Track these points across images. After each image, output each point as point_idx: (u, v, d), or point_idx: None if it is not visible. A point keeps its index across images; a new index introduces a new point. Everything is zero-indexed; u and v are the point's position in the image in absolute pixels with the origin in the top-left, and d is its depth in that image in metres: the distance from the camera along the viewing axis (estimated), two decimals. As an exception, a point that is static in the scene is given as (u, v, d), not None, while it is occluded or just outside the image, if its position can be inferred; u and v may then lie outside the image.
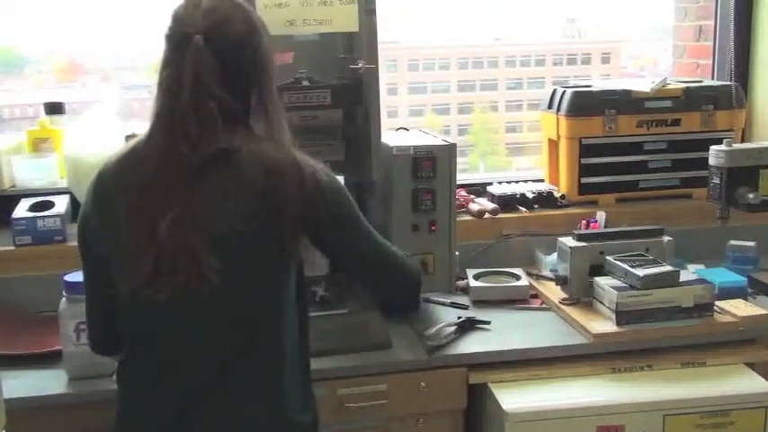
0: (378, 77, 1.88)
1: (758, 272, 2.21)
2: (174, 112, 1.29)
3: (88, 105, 2.38)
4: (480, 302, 2.09)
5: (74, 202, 2.18)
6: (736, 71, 2.59)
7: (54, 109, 2.42)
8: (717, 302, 1.94)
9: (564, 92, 2.46)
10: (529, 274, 2.22)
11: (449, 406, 1.83)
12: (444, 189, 1.97)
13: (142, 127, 1.39)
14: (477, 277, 2.16)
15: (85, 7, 2.77)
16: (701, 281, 1.93)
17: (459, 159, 1.98)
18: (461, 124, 6.57)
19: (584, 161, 2.44)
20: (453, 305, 2.07)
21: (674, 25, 2.98)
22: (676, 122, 2.46)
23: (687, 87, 2.48)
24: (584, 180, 2.45)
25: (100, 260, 1.37)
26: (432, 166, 1.95)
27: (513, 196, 2.43)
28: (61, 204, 2.17)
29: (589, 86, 2.52)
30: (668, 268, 1.91)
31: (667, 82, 2.52)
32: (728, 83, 2.54)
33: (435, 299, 2.09)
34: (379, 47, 1.88)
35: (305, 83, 1.85)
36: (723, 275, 2.09)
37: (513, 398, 1.75)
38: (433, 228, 1.98)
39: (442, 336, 1.86)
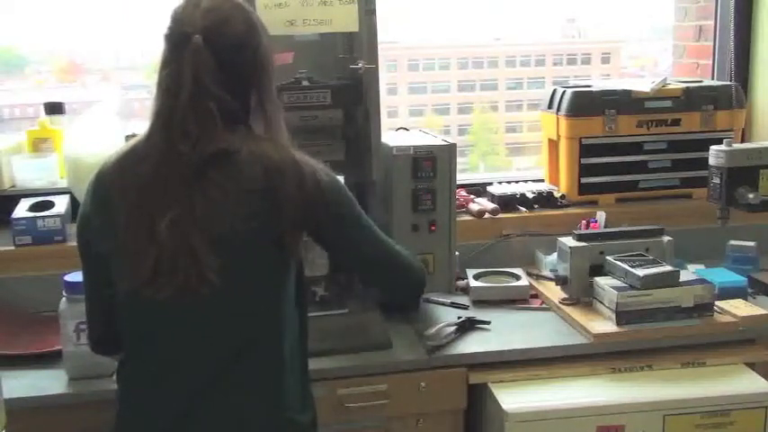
0: (378, 77, 1.88)
1: (758, 272, 2.20)
2: (174, 112, 1.29)
3: (88, 105, 2.38)
4: (480, 302, 2.09)
5: (74, 202, 2.18)
6: (736, 71, 2.59)
7: (54, 109, 2.42)
8: (717, 302, 1.94)
9: (564, 92, 2.46)
10: (529, 274, 2.22)
11: (449, 406, 1.83)
12: (444, 189, 1.97)
13: (142, 127, 1.39)
14: (477, 277, 2.16)
15: (85, 7, 2.77)
16: (701, 281, 1.93)
17: (459, 159, 1.98)
18: (461, 124, 6.58)
19: (584, 161, 2.44)
20: (453, 305, 2.07)
21: (674, 25, 2.98)
22: (676, 122, 2.46)
23: (687, 87, 2.48)
24: (584, 180, 2.45)
25: (99, 260, 1.37)
26: (432, 166, 1.95)
27: (513, 196, 2.43)
28: (61, 204, 2.17)
29: (589, 86, 2.51)
30: (668, 268, 1.91)
31: (667, 82, 2.52)
32: (728, 83, 2.54)
33: (435, 299, 2.09)
34: (379, 47, 1.88)
35: (305, 83, 1.85)
36: (723, 275, 2.09)
37: (513, 398, 1.75)
38: (433, 228, 1.98)
39: (441, 336, 1.86)
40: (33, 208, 2.14)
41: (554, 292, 2.07)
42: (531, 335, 1.91)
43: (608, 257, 1.97)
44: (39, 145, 2.36)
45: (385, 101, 2.10)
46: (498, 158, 5.40)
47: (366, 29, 1.84)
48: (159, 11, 1.43)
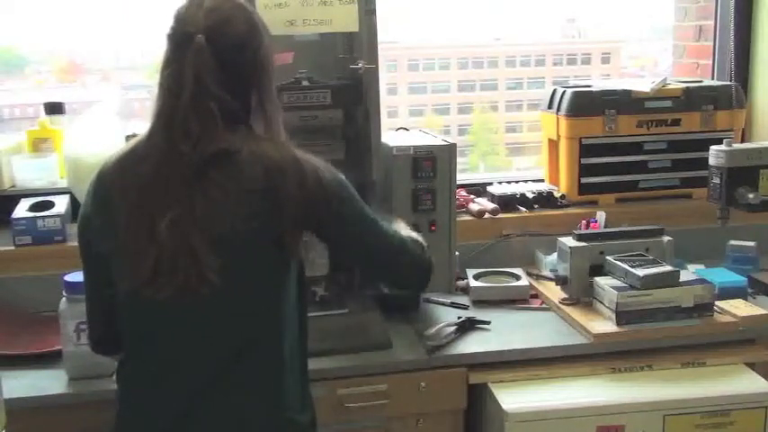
0: (378, 77, 1.88)
1: (758, 272, 2.20)
2: (175, 112, 1.29)
3: (88, 105, 2.38)
4: (480, 302, 2.09)
5: (74, 202, 2.18)
6: (736, 71, 2.59)
7: (54, 109, 2.42)
8: (717, 302, 1.94)
9: (564, 92, 2.46)
10: (529, 274, 2.22)
11: (449, 406, 1.83)
12: (444, 189, 1.97)
13: (142, 127, 1.39)
14: (477, 277, 2.16)
15: (85, 7, 2.77)
16: (701, 281, 1.93)
17: (459, 159, 1.98)
18: (461, 124, 6.58)
19: (584, 161, 2.44)
20: (453, 305, 2.07)
21: (674, 25, 2.98)
22: (676, 122, 2.46)
23: (687, 87, 2.48)
24: (584, 180, 2.45)
25: (100, 260, 1.37)
26: (432, 166, 1.95)
27: (513, 196, 2.43)
28: (61, 204, 2.17)
29: (589, 86, 2.51)
30: (668, 268, 1.91)
31: (667, 82, 2.52)
32: (728, 83, 2.54)
33: (435, 299, 2.09)
34: (379, 47, 1.87)
35: (305, 83, 1.85)
36: (723, 275, 2.09)
37: (513, 398, 1.75)
38: (433, 228, 1.98)
39: (442, 336, 1.86)
40: (33, 208, 2.14)
41: (554, 292, 2.07)
42: (531, 335, 1.91)
43: (608, 257, 1.97)
44: (39, 145, 2.36)
45: (385, 101, 2.10)
46: (498, 158, 5.40)
47: (366, 29, 1.84)
48: (160, 11, 1.44)
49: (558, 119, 2.47)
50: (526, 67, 6.50)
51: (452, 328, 1.90)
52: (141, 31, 2.81)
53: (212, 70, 1.29)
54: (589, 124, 2.42)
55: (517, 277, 2.17)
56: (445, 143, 1.99)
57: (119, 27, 2.92)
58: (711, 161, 2.13)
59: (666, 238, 2.03)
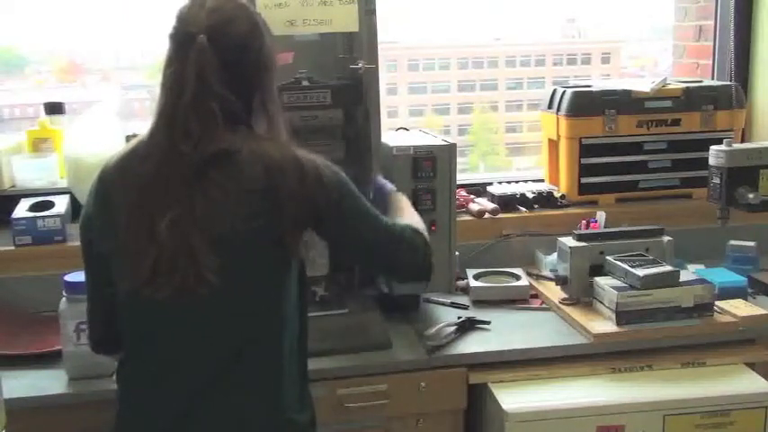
0: (378, 77, 1.88)
1: (758, 272, 2.20)
2: (176, 111, 1.29)
3: (88, 105, 2.38)
4: (480, 302, 2.09)
5: (74, 202, 2.18)
6: (736, 71, 2.59)
7: (54, 109, 2.42)
8: (717, 302, 1.94)
9: (564, 92, 2.46)
10: (529, 274, 2.22)
11: (449, 406, 1.83)
12: (444, 189, 1.97)
13: (142, 127, 1.39)
14: (477, 277, 2.16)
15: (85, 7, 2.77)
16: (701, 281, 1.93)
17: (459, 159, 1.98)
18: (461, 124, 6.57)
19: (584, 161, 2.44)
20: (453, 305, 2.07)
21: (674, 25, 2.98)
22: (676, 122, 2.46)
23: (687, 87, 2.48)
24: (584, 180, 2.45)
25: (101, 260, 1.37)
26: (432, 166, 1.95)
27: (513, 196, 2.43)
28: (61, 204, 2.17)
29: (589, 86, 2.51)
30: (668, 268, 1.91)
31: (667, 82, 2.52)
32: (728, 83, 2.54)
33: (435, 299, 2.09)
34: (379, 47, 1.88)
35: (305, 83, 1.85)
36: (723, 275, 2.09)
37: (513, 398, 1.75)
38: (433, 228, 1.97)
39: (442, 336, 1.86)
40: (33, 208, 2.14)
41: (554, 292, 2.07)
42: (531, 335, 1.91)
43: (608, 257, 1.97)
44: (39, 145, 2.36)
45: (385, 101, 2.10)
46: (498, 158, 5.40)
47: (366, 29, 1.84)
48: (160, 11, 1.44)
49: (558, 119, 2.47)
50: (526, 67, 6.50)
51: (452, 328, 1.90)
52: (141, 31, 2.81)
53: (214, 70, 1.29)
54: (589, 124, 2.42)
55: (517, 277, 2.17)
56: (445, 143, 1.99)
57: (119, 27, 2.92)
58: (711, 161, 2.13)
59: (666, 238, 2.03)
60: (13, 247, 2.11)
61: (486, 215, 2.35)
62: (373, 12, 1.85)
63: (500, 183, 2.53)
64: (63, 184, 2.27)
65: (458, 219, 2.09)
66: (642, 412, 1.76)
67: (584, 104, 2.42)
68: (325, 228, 1.42)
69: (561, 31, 6.25)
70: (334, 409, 1.73)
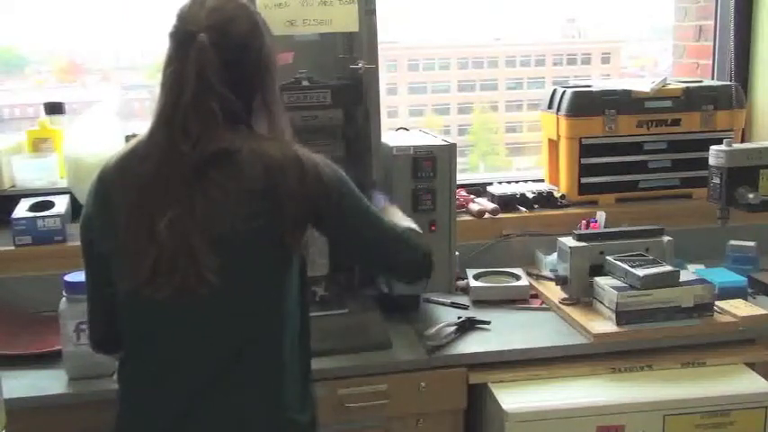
0: (378, 77, 1.88)
1: (758, 272, 2.20)
2: (176, 111, 1.29)
3: (88, 105, 2.38)
4: (480, 302, 2.09)
5: (74, 202, 2.18)
6: (736, 71, 2.59)
7: (54, 109, 2.42)
8: (717, 302, 1.94)
9: (564, 92, 2.46)
10: (529, 274, 2.22)
11: (449, 406, 1.83)
12: (444, 189, 1.97)
13: (142, 127, 1.39)
14: (477, 277, 2.16)
15: (85, 7, 2.77)
16: (701, 281, 1.93)
17: (459, 159, 1.98)
18: (461, 124, 6.57)
19: (584, 161, 2.44)
20: (453, 305, 2.07)
21: (674, 25, 2.98)
22: (676, 122, 2.46)
23: (687, 87, 2.48)
24: (584, 180, 2.45)
25: (101, 260, 1.37)
26: (432, 166, 1.95)
27: (513, 196, 2.43)
28: (61, 204, 2.17)
29: (589, 86, 2.51)
30: (668, 268, 1.91)
31: (667, 82, 2.52)
32: (728, 83, 2.54)
33: (435, 299, 2.09)
34: (379, 47, 1.88)
35: (305, 83, 1.85)
36: (723, 275, 2.09)
37: (513, 398, 1.75)
38: (433, 228, 1.97)
39: (441, 336, 1.86)
40: (33, 208, 2.14)
41: (554, 292, 2.07)
42: (531, 335, 1.91)
43: (608, 257, 1.97)
44: (39, 145, 2.36)
45: (385, 101, 2.10)
46: (498, 158, 5.39)
47: (366, 29, 1.84)
48: (160, 10, 1.44)
49: (558, 119, 2.47)
50: (526, 67, 6.50)
51: (452, 328, 1.90)
52: (141, 31, 2.81)
53: (215, 69, 1.29)
54: (589, 124, 2.42)
55: (517, 277, 2.17)
56: (445, 143, 1.99)
57: (119, 27, 2.92)
58: (711, 161, 2.13)
59: (666, 238, 2.03)
60: (13, 247, 2.11)
61: (486, 215, 2.35)
62: (373, 12, 1.85)
63: (500, 183, 2.53)
64: (63, 184, 2.27)
65: (458, 219, 2.09)
66: (642, 412, 1.76)
67: (584, 104, 2.42)
68: (326, 227, 1.42)
69: (561, 31, 6.25)
70: (334, 409, 1.73)
